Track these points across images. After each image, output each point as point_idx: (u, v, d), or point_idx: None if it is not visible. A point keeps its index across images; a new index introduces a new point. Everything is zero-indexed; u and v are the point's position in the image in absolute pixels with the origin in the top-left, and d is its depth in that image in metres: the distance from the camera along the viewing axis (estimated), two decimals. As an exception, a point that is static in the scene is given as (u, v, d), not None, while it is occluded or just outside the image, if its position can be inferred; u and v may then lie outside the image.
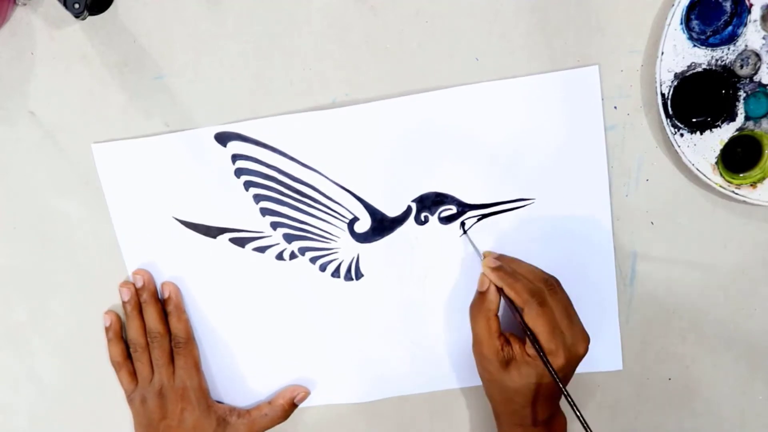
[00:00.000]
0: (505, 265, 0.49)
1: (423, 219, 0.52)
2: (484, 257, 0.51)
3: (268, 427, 0.55)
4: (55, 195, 0.54)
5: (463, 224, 0.52)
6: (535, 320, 0.45)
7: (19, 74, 0.52)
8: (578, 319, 0.48)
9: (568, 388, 0.49)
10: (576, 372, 0.53)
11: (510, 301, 0.47)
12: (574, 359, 0.47)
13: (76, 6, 0.47)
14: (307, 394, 0.56)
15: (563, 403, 0.49)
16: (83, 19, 0.49)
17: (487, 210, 0.52)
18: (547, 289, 0.47)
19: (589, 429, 0.43)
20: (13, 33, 0.52)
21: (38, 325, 0.57)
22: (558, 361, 0.45)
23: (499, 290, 0.48)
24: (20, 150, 0.54)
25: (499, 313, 0.50)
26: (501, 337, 0.49)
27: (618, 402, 0.55)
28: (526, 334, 0.46)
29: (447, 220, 0.52)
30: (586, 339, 0.47)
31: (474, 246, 0.52)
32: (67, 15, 0.48)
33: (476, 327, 0.49)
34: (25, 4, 0.51)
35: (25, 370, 0.58)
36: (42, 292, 0.56)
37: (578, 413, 0.43)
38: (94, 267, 0.55)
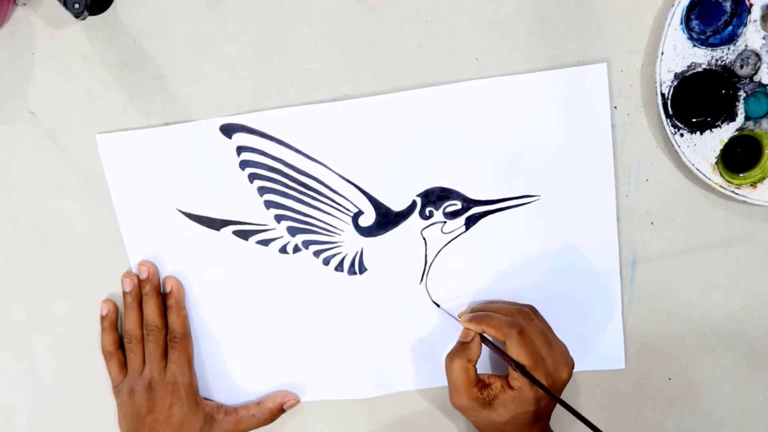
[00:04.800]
0: (479, 311, 0.50)
1: (428, 214, 0.52)
2: (460, 317, 0.51)
3: (254, 428, 0.55)
4: (55, 195, 0.54)
5: (437, 303, 0.53)
6: (517, 351, 0.46)
7: (19, 74, 0.52)
8: (560, 343, 0.48)
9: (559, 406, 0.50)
10: (577, 370, 0.53)
11: (491, 343, 0.48)
12: (557, 385, 0.47)
13: (76, 6, 0.47)
14: (297, 401, 0.56)
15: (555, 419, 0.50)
16: (83, 19, 0.49)
17: (492, 206, 0.52)
18: (524, 318, 0.48)
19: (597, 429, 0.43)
20: (13, 33, 0.52)
21: (38, 324, 0.57)
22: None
23: (482, 338, 0.49)
24: (20, 150, 0.54)
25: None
26: (479, 383, 0.49)
27: (618, 402, 0.55)
28: (511, 366, 0.46)
29: (452, 215, 0.52)
30: (569, 364, 0.48)
31: (449, 313, 0.53)
32: (67, 15, 0.48)
33: (453, 375, 0.49)
34: (25, 4, 0.51)
35: (25, 370, 0.58)
36: (42, 291, 0.56)
37: (581, 416, 0.43)
38: (94, 267, 0.55)
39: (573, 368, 0.48)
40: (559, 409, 0.46)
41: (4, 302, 0.57)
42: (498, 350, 0.48)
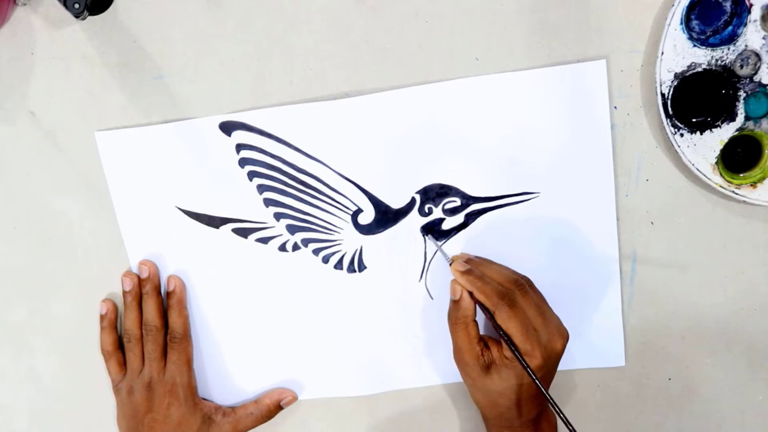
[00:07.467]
0: (474, 269, 0.49)
1: (427, 211, 0.52)
2: (453, 261, 0.50)
3: (253, 427, 0.55)
4: (55, 195, 0.54)
5: (426, 233, 0.52)
6: (507, 322, 0.46)
7: (19, 74, 0.52)
8: (554, 316, 0.48)
9: (552, 383, 0.50)
10: (578, 368, 0.53)
11: (482, 305, 0.48)
12: (551, 357, 0.47)
13: (76, 6, 0.47)
14: (294, 398, 0.56)
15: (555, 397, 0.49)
16: (83, 19, 0.49)
17: (491, 203, 0.52)
18: (518, 290, 0.47)
19: (572, 428, 0.43)
20: (13, 33, 0.52)
21: (38, 325, 0.57)
22: (535, 360, 0.45)
23: (471, 294, 0.48)
24: (20, 150, 0.54)
25: (477, 318, 0.49)
26: (480, 342, 0.49)
27: (618, 401, 0.55)
28: (501, 337, 0.46)
29: (451, 212, 0.52)
30: (564, 335, 0.47)
31: (441, 251, 0.51)
32: (67, 15, 0.48)
33: (455, 335, 0.49)
34: (25, 4, 0.51)
35: (25, 370, 0.58)
36: (42, 292, 0.56)
37: (560, 413, 0.43)
38: (94, 267, 0.55)
39: (567, 340, 0.47)
40: (557, 392, 0.45)
41: (4, 302, 0.57)
42: (488, 314, 0.47)
